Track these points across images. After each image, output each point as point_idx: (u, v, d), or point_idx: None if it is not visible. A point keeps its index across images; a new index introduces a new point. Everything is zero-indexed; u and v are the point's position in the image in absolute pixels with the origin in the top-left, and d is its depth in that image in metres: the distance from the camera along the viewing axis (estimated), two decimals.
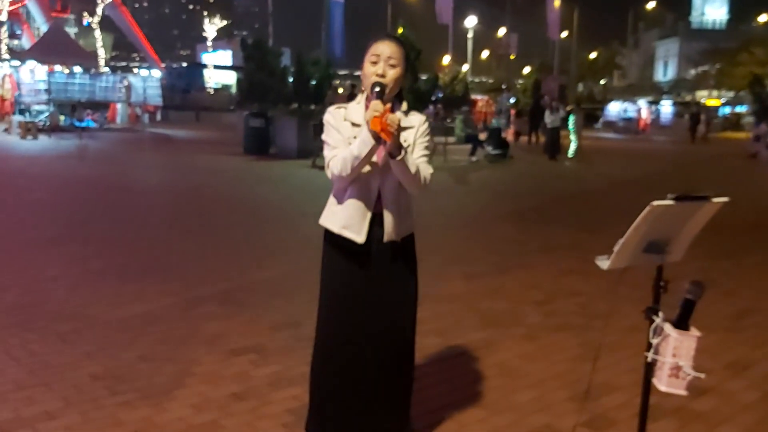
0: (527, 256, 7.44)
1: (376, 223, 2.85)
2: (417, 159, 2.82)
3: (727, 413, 3.68)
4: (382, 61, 2.77)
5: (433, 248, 7.60)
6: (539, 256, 7.41)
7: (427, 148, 2.92)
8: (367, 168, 2.77)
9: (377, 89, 2.70)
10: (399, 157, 2.67)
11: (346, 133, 2.80)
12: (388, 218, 2.86)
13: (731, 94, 57.30)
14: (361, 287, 2.90)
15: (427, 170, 2.85)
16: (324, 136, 2.86)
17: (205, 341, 4.49)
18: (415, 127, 2.86)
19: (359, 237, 2.83)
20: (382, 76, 2.76)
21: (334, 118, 2.84)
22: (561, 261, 7.14)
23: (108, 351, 4.27)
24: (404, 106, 2.90)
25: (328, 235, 2.92)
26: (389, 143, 2.63)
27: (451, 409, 3.61)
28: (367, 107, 2.79)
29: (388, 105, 2.68)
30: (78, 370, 3.96)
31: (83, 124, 25.48)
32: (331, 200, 2.94)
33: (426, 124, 2.93)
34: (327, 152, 2.83)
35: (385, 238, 2.86)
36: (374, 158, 2.75)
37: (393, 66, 2.79)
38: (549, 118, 20.75)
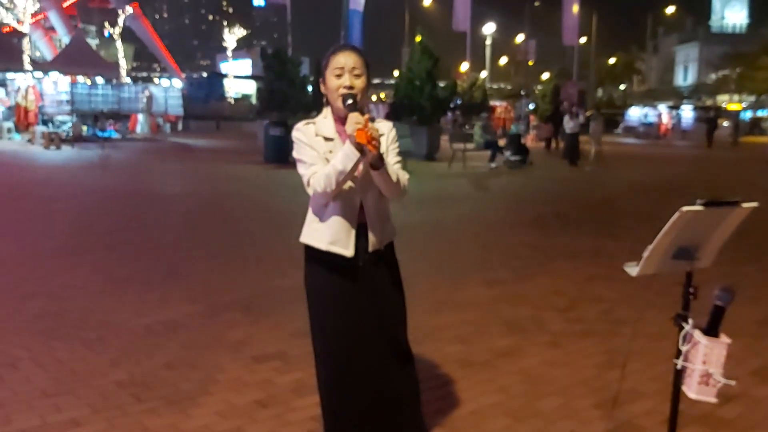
0: (549, 262, 7.39)
1: (361, 234, 2.81)
2: (392, 165, 2.78)
3: (754, 420, 3.63)
4: (346, 72, 2.74)
5: (453, 255, 7.60)
6: (561, 263, 7.36)
7: (399, 153, 2.89)
8: (348, 182, 2.73)
9: (350, 101, 2.66)
10: (382, 168, 2.65)
11: (320, 148, 2.77)
12: (372, 228, 2.83)
13: (752, 98, 56.69)
14: (354, 300, 2.85)
15: (404, 176, 2.83)
16: (296, 154, 2.80)
17: (228, 348, 4.51)
18: (385, 134, 2.81)
19: (348, 251, 2.78)
20: (351, 87, 2.73)
21: (305, 134, 2.79)
22: (584, 267, 7.09)
23: (133, 358, 4.31)
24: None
25: (313, 252, 2.85)
26: (371, 155, 2.59)
27: (475, 417, 3.59)
28: (339, 121, 2.80)
29: (367, 116, 2.63)
30: (103, 378, 3.99)
31: (105, 134, 25.81)
32: (311, 217, 2.88)
33: (394, 131, 2.91)
34: (303, 170, 2.76)
35: (371, 248, 2.83)
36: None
37: (358, 76, 2.76)
38: (568, 124, 20.66)
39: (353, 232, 2.79)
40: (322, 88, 2.83)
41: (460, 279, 6.51)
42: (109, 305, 5.44)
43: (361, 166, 2.69)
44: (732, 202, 2.23)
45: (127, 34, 48.72)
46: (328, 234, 2.79)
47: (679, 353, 2.29)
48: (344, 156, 2.61)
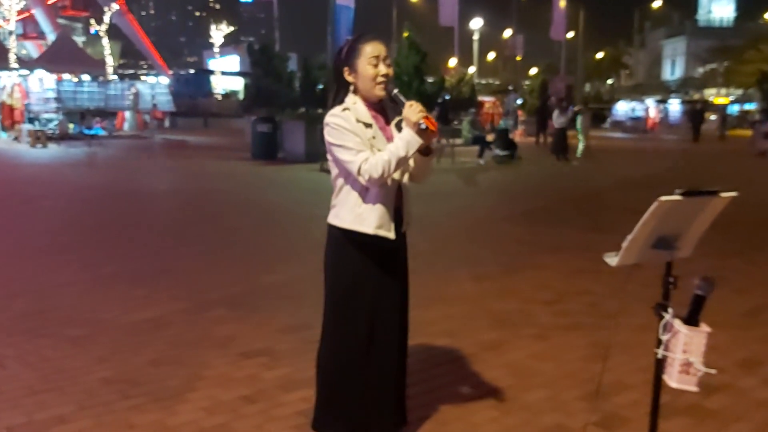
0: (537, 256, 7.42)
1: (397, 217, 2.92)
2: None
3: (739, 411, 3.66)
4: (381, 61, 2.80)
5: (441, 250, 7.61)
6: (549, 257, 7.39)
7: None
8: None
9: (396, 90, 2.76)
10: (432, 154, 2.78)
11: (363, 134, 2.79)
12: (406, 210, 2.97)
13: (740, 91, 57.03)
14: (389, 283, 2.96)
15: None
16: (338, 141, 2.77)
17: (215, 345, 4.51)
18: None
19: (392, 234, 2.87)
20: (387, 75, 2.81)
21: (347, 121, 2.78)
22: (571, 261, 7.12)
23: (120, 355, 4.29)
24: None
25: (356, 237, 2.86)
26: (425, 140, 2.69)
27: (462, 410, 3.60)
28: (371, 107, 2.86)
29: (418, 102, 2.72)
30: (90, 375, 3.98)
31: (92, 132, 25.64)
32: (352, 202, 2.86)
33: None
34: (351, 156, 2.74)
35: (404, 229, 2.98)
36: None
37: (389, 65, 2.84)
38: (559, 119, 20.69)
39: (393, 216, 2.89)
40: (350, 77, 2.85)
41: (448, 274, 6.52)
42: (95, 303, 5.42)
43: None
44: (710, 192, 2.24)
45: (114, 31, 48.34)
46: (374, 218, 2.83)
47: (659, 343, 2.31)
48: (407, 143, 2.68)
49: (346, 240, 2.90)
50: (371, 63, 2.79)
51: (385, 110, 2.93)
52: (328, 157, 2.89)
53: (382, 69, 2.80)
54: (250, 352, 4.37)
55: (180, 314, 5.16)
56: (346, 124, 2.77)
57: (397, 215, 2.92)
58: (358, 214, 2.85)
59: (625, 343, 4.51)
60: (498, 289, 6.04)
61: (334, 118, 2.80)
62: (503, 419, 3.51)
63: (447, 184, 13.99)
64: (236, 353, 4.36)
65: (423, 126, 2.64)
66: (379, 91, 2.81)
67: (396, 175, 2.84)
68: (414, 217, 3.07)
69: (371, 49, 2.79)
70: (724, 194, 2.26)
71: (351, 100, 2.86)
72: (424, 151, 2.78)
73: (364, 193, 2.84)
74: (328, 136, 2.81)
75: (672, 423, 3.45)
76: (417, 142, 2.66)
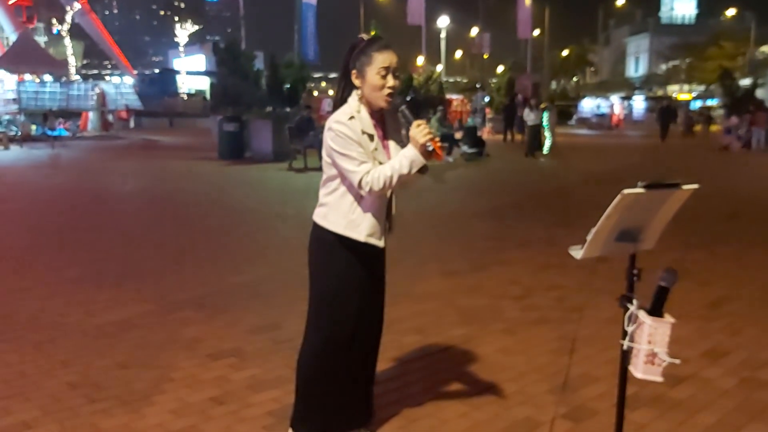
0: (505, 252, 7.47)
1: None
2: None
3: (705, 400, 3.72)
4: (390, 73, 2.77)
5: (411, 248, 7.61)
6: (517, 252, 7.44)
7: None
8: None
9: (404, 107, 2.76)
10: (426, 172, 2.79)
11: (367, 146, 2.78)
12: (392, 218, 3.02)
13: (702, 87, 58.02)
14: (372, 287, 3.01)
15: None
16: (341, 149, 2.75)
17: (183, 346, 4.45)
18: None
19: (381, 242, 2.94)
20: (393, 87, 2.79)
21: (353, 130, 2.76)
22: (538, 256, 7.18)
23: (85, 359, 4.22)
24: None
25: (346, 242, 2.87)
26: (428, 160, 2.71)
27: (431, 405, 3.61)
28: (373, 116, 2.85)
29: (425, 122, 2.73)
30: (54, 379, 3.90)
31: (55, 133, 25.21)
32: (346, 208, 2.87)
33: None
34: (353, 166, 2.73)
35: (389, 234, 3.04)
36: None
37: (397, 77, 2.82)
38: (529, 116, 20.85)
39: (384, 224, 2.94)
40: (357, 81, 2.82)
41: (418, 271, 6.53)
42: (60, 306, 5.32)
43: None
44: (672, 185, 2.27)
45: (77, 31, 47.62)
46: (366, 226, 2.87)
47: (625, 334, 2.34)
48: (411, 162, 2.68)
49: (336, 243, 2.90)
50: (380, 73, 2.76)
51: (384, 121, 2.91)
52: (324, 157, 2.88)
53: (390, 81, 2.77)
54: (218, 353, 4.33)
55: (146, 316, 5.09)
56: (352, 134, 2.75)
57: (387, 223, 2.98)
58: (351, 221, 2.86)
59: (592, 336, 4.56)
60: (467, 286, 6.07)
61: (340, 125, 2.76)
62: (473, 414, 3.53)
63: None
64: (204, 354, 4.31)
65: (430, 148, 2.66)
66: (383, 103, 2.79)
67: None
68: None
69: (383, 59, 2.76)
70: (685, 187, 2.29)
71: (356, 106, 2.83)
72: (421, 169, 2.77)
73: (359, 199, 2.85)
74: (332, 142, 2.77)
75: (638, 413, 3.50)
76: (421, 162, 2.68)
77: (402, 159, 2.70)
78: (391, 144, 2.92)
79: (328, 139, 2.79)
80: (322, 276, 2.98)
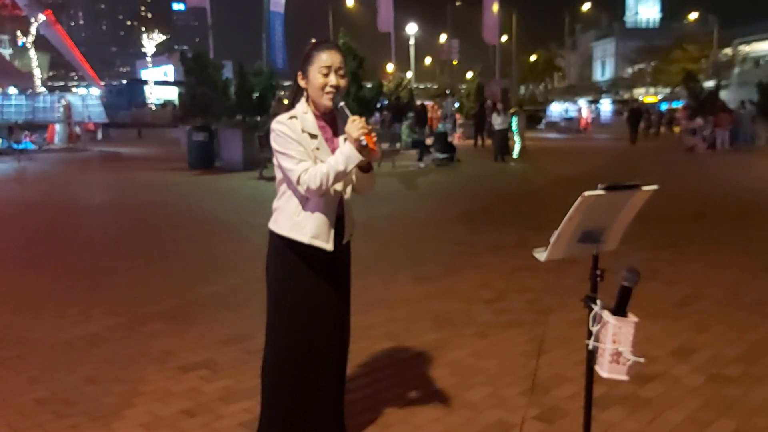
0: (477, 256, 7.51)
1: (337, 227, 2.90)
2: None
3: (673, 398, 3.77)
4: (332, 72, 2.78)
5: (383, 253, 7.63)
6: (489, 256, 7.49)
7: None
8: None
9: (342, 104, 2.75)
10: (372, 171, 2.77)
11: (307, 145, 2.79)
12: (347, 221, 2.95)
13: (667, 90, 58.93)
14: (328, 292, 2.94)
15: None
16: (281, 148, 2.78)
17: (153, 359, 4.41)
18: None
19: (329, 245, 2.86)
20: (336, 87, 2.78)
21: (292, 130, 2.78)
22: (510, 260, 7.23)
23: (53, 374, 4.16)
24: None
25: (293, 245, 2.86)
26: (368, 157, 2.68)
27: (405, 411, 3.61)
28: (319, 117, 2.85)
29: (363, 118, 2.70)
30: (22, 396, 3.84)
31: (21, 146, 24.82)
32: (291, 209, 2.87)
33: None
34: (291, 165, 2.75)
35: (345, 240, 2.96)
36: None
37: (342, 76, 2.81)
38: (496, 121, 21.02)
39: (333, 227, 2.87)
40: (302, 82, 2.84)
41: (390, 277, 6.54)
42: (27, 322, 5.24)
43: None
44: (632, 186, 2.31)
45: (42, 43, 46.98)
46: (311, 227, 2.83)
47: (590, 334, 2.37)
48: (346, 158, 2.67)
49: (284, 247, 2.89)
50: (322, 72, 2.77)
51: (336, 122, 2.91)
52: (274, 161, 2.88)
53: (332, 80, 2.77)
54: (189, 365, 4.30)
55: (116, 330, 5.03)
56: (291, 133, 2.77)
57: (339, 225, 2.92)
58: (296, 222, 2.85)
59: (562, 338, 4.60)
60: (439, 290, 6.09)
61: (279, 125, 2.80)
62: (446, 418, 3.54)
63: (388, 187, 14.04)
64: (175, 367, 4.28)
65: (363, 143, 2.63)
66: (326, 101, 2.79)
67: (338, 187, 2.84)
68: (356, 225, 3.08)
69: (324, 58, 2.78)
70: (645, 188, 2.33)
71: (302, 108, 2.86)
72: (365, 168, 2.77)
73: (304, 201, 2.84)
74: (273, 142, 2.81)
75: (608, 412, 3.54)
76: (357, 158, 2.66)
77: (338, 155, 2.70)
78: (341, 145, 2.87)
79: (271, 140, 2.82)
80: (273, 281, 2.96)
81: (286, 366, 2.95)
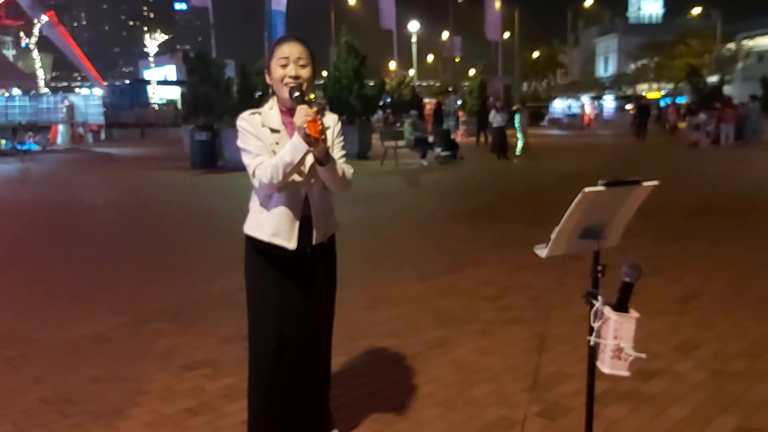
0: (480, 253, 7.51)
1: (304, 227, 2.84)
2: (338, 159, 2.83)
3: (677, 394, 3.77)
4: (291, 62, 2.76)
5: (387, 251, 7.64)
6: (492, 253, 7.49)
7: (343, 147, 2.94)
8: (294, 174, 2.75)
9: (297, 93, 2.69)
10: (329, 164, 2.69)
11: (266, 139, 2.77)
12: (317, 221, 2.86)
13: (671, 85, 58.82)
14: (296, 293, 2.88)
15: (349, 170, 2.88)
16: (241, 144, 2.81)
17: (157, 358, 4.42)
18: (331, 127, 2.86)
19: (291, 244, 2.81)
20: (296, 77, 2.75)
21: (251, 125, 2.79)
22: (513, 257, 7.23)
23: (58, 374, 4.18)
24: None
25: (256, 243, 2.87)
26: (318, 149, 2.62)
27: (408, 409, 3.62)
28: (285, 112, 2.82)
29: (315, 108, 2.64)
30: (27, 395, 3.86)
31: (25, 147, 24.90)
32: (256, 208, 2.89)
33: (340, 124, 2.94)
34: (249, 160, 2.77)
35: (315, 241, 2.87)
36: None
37: (303, 66, 2.78)
38: (495, 118, 21.03)
39: (297, 225, 2.81)
40: (268, 79, 2.84)
41: (394, 274, 6.55)
42: (31, 321, 5.25)
43: (308, 159, 2.71)
44: (632, 182, 2.31)
45: (45, 44, 47.07)
46: (271, 225, 2.81)
47: (591, 330, 2.37)
48: (293, 148, 2.62)
49: (249, 245, 2.91)
50: (280, 63, 2.77)
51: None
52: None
53: (290, 70, 2.75)
54: (192, 364, 4.30)
55: (120, 329, 5.04)
56: (250, 128, 2.78)
57: (307, 225, 2.85)
58: (258, 221, 2.86)
59: (565, 334, 4.60)
60: (443, 287, 6.09)
61: (241, 121, 2.82)
62: (448, 415, 3.54)
63: (391, 185, 14.06)
64: (178, 365, 4.29)
65: (305, 131, 2.56)
66: (286, 93, 2.76)
67: (297, 178, 2.77)
68: (340, 226, 3.05)
69: (281, 51, 2.77)
70: (645, 183, 2.32)
71: (269, 104, 2.86)
72: (322, 160, 2.69)
73: (266, 200, 2.83)
74: (237, 139, 2.83)
75: (612, 409, 3.54)
76: (303, 147, 2.60)
77: (287, 146, 2.67)
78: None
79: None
80: (246, 281, 2.98)
81: (261, 365, 2.95)
